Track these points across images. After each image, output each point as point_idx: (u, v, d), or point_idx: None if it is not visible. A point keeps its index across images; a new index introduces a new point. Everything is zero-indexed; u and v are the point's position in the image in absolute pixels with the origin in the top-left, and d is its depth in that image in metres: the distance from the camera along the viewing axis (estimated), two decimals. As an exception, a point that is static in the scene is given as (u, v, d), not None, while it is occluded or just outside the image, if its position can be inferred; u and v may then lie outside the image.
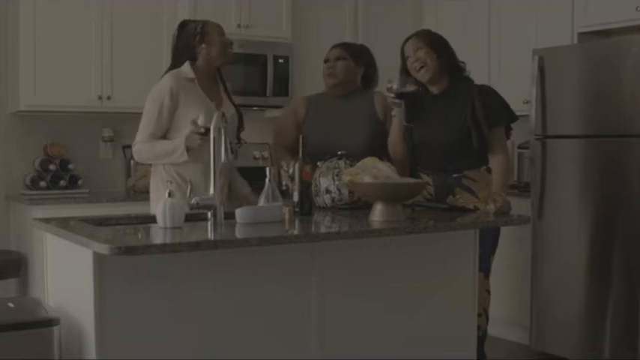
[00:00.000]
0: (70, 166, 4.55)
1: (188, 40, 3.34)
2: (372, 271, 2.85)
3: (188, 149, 3.17)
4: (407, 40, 3.41)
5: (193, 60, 3.34)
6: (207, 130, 3.02)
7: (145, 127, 3.29)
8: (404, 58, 3.39)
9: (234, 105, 3.45)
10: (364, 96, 3.58)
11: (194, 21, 3.42)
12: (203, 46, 3.31)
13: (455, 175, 3.32)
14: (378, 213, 2.80)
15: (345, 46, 3.64)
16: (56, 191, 4.44)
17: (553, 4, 4.60)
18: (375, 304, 2.86)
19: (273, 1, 4.99)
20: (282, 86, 4.87)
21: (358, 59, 3.59)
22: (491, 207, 3.08)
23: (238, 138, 3.46)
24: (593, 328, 3.99)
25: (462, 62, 3.41)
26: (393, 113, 3.35)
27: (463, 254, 3.10)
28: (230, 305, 2.55)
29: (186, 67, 3.31)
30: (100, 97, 4.48)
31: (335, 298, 2.75)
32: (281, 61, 4.95)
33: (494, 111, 3.30)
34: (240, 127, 3.46)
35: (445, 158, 3.33)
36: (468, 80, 3.42)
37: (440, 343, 3.01)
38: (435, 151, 3.34)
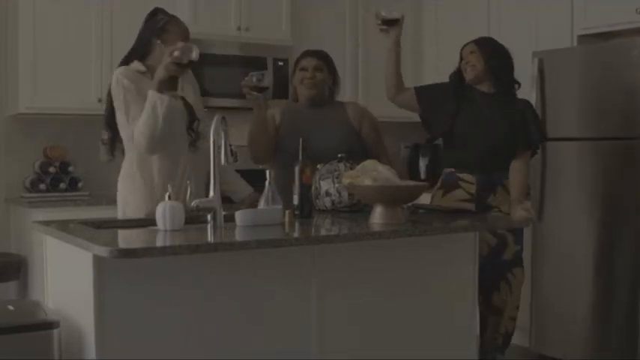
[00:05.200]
0: (70, 169, 4.55)
1: (149, 32, 3.17)
2: (372, 274, 2.84)
3: (161, 89, 2.96)
4: (467, 43, 3.56)
5: (146, 55, 3.16)
6: (190, 63, 2.95)
7: (126, 122, 3.04)
8: (460, 60, 3.55)
9: (184, 100, 3.21)
10: (335, 106, 3.58)
11: (164, 13, 3.23)
12: (158, 42, 3.13)
13: (497, 173, 3.46)
14: (377, 215, 2.80)
15: (320, 56, 3.57)
16: (56, 194, 4.44)
17: (553, 7, 4.61)
18: (375, 307, 2.85)
19: (272, 4, 5.00)
20: (282, 89, 4.86)
21: (330, 69, 3.58)
22: (523, 213, 3.32)
23: (193, 130, 3.19)
24: (592, 330, 3.99)
25: (518, 83, 3.55)
26: (387, 46, 3.48)
27: (463, 256, 3.10)
28: (230, 308, 2.55)
29: (135, 64, 3.13)
30: (99, 100, 4.46)
31: (335, 301, 2.75)
32: (281, 63, 4.95)
33: (539, 127, 3.59)
34: (193, 119, 3.20)
35: (491, 155, 3.45)
36: (514, 95, 3.57)
37: (440, 346, 3.01)
38: (483, 146, 3.44)
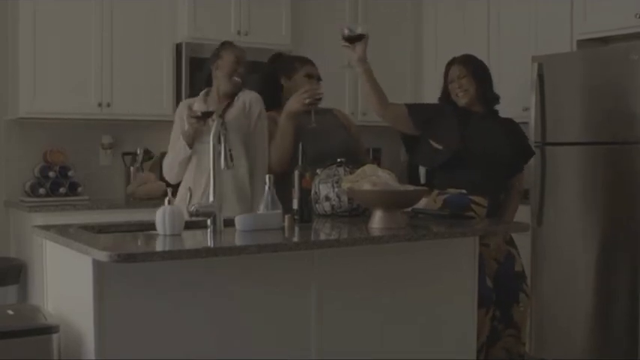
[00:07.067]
0: (70, 173, 4.55)
1: (209, 62, 3.44)
2: (371, 278, 2.84)
3: (189, 141, 3.27)
4: (451, 63, 3.54)
5: (211, 83, 3.45)
6: (205, 114, 3.17)
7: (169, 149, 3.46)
8: (446, 80, 3.53)
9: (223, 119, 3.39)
10: (325, 111, 3.60)
11: (229, 44, 3.45)
12: (213, 67, 3.39)
13: (500, 196, 3.53)
14: (377, 220, 2.80)
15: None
16: (56, 198, 4.44)
17: (552, 11, 4.61)
18: (375, 311, 2.85)
19: (272, 8, 5.00)
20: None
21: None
22: None
23: None
24: (592, 335, 3.98)
25: (497, 95, 3.56)
26: (352, 63, 3.43)
27: (463, 261, 3.10)
28: (230, 313, 2.55)
29: (202, 92, 3.45)
30: (99, 104, 4.48)
31: (334, 305, 2.75)
32: (280, 67, 4.94)
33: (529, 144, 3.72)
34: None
35: (500, 175, 3.48)
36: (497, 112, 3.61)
37: (439, 349, 3.01)
38: (497, 164, 3.43)
